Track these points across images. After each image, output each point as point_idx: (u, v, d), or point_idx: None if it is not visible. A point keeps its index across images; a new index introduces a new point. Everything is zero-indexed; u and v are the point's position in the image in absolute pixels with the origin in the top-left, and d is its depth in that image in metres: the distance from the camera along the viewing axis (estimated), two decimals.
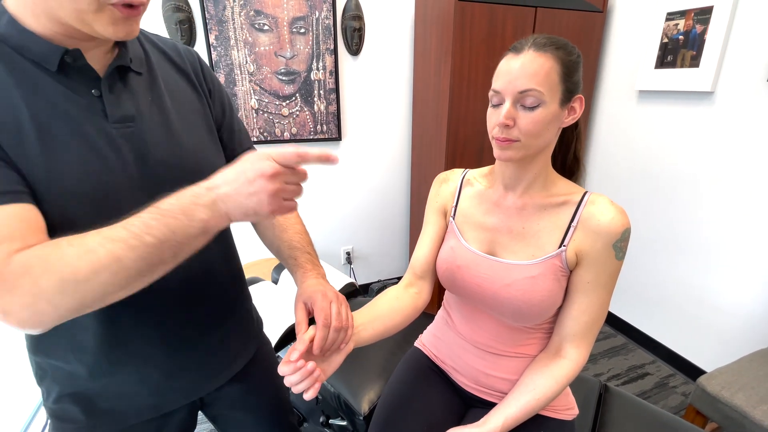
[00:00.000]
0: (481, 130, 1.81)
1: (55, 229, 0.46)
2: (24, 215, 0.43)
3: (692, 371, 1.80)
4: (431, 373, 0.92)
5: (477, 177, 0.84)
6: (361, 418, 1.02)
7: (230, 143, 0.71)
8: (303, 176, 0.50)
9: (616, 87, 1.96)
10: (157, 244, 0.43)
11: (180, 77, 0.64)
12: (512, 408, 0.71)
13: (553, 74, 0.63)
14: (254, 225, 0.76)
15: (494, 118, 0.68)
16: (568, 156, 0.80)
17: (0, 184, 0.42)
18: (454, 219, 0.83)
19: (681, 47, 1.63)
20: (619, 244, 0.67)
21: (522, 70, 0.63)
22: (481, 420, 0.72)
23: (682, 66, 1.64)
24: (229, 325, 0.72)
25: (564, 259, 0.69)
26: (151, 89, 0.58)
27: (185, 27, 1.62)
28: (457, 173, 0.88)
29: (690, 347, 1.82)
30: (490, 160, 0.80)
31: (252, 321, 0.81)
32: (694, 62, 1.59)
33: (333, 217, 2.22)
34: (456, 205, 0.84)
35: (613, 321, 2.20)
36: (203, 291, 0.65)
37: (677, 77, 1.66)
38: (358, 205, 2.26)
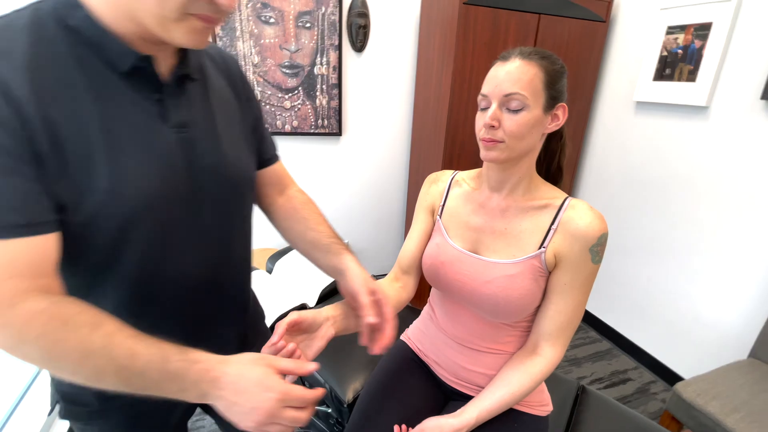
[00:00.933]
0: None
1: (105, 242, 0.47)
2: (40, 249, 0.43)
3: (673, 379, 1.84)
4: (414, 365, 0.95)
5: (465, 179, 0.87)
6: (345, 405, 1.05)
7: (258, 150, 0.72)
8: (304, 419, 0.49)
9: (614, 96, 1.98)
10: (138, 385, 0.44)
11: (226, 84, 0.64)
12: (487, 401, 0.74)
13: (537, 81, 0.67)
14: (274, 217, 0.77)
15: (481, 121, 0.71)
16: (552, 165, 0.83)
17: (29, 213, 0.41)
18: (440, 217, 0.87)
19: (679, 61, 1.66)
20: (596, 249, 0.70)
21: (508, 75, 0.67)
22: (458, 411, 0.75)
23: (679, 80, 1.67)
24: (243, 318, 0.74)
25: (543, 260, 0.72)
26: (204, 96, 0.58)
27: None
28: (447, 174, 0.91)
29: (672, 355, 1.86)
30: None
31: (260, 313, 0.85)
32: (692, 76, 1.61)
33: (330, 211, 2.25)
34: (443, 205, 0.87)
35: (599, 326, 2.24)
36: (223, 284, 0.66)
37: (674, 90, 1.69)
38: (356, 200, 2.29)
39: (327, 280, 1.59)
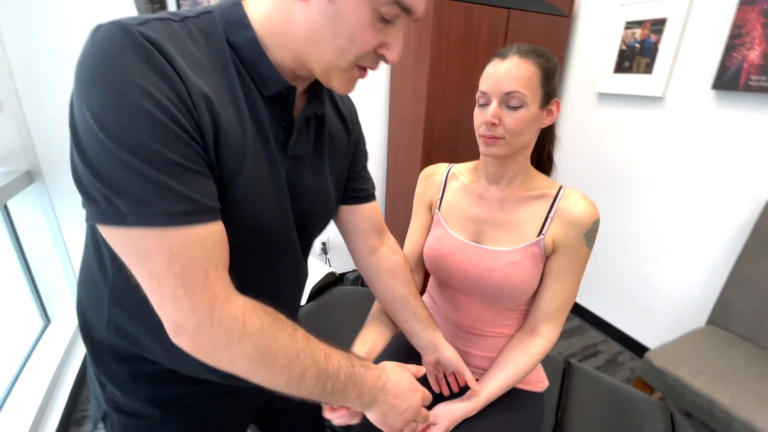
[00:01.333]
0: (455, 128, 1.88)
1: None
2: (224, 237, 0.44)
3: (638, 348, 2.00)
4: (416, 354, 0.99)
5: (462, 171, 0.91)
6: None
7: (356, 186, 0.73)
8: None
9: (579, 88, 2.10)
10: (329, 389, 0.48)
11: (340, 122, 0.65)
12: (493, 383, 0.79)
13: (535, 79, 0.71)
14: (374, 269, 0.78)
15: (481, 118, 0.74)
16: (543, 155, 0.88)
17: (210, 198, 0.42)
18: (439, 210, 0.90)
19: (637, 54, 1.78)
20: (590, 234, 0.75)
21: (507, 73, 0.70)
22: (467, 394, 0.79)
23: (637, 72, 1.79)
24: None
25: (542, 246, 0.78)
26: (319, 131, 0.59)
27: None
28: (442, 167, 0.94)
29: (636, 327, 2.02)
30: (463, 157, 0.87)
31: None
32: (648, 69, 1.74)
33: None
34: (441, 198, 0.91)
35: (579, 311, 2.38)
36: (296, 306, 0.70)
37: (633, 82, 1.81)
38: None
39: (317, 278, 1.59)
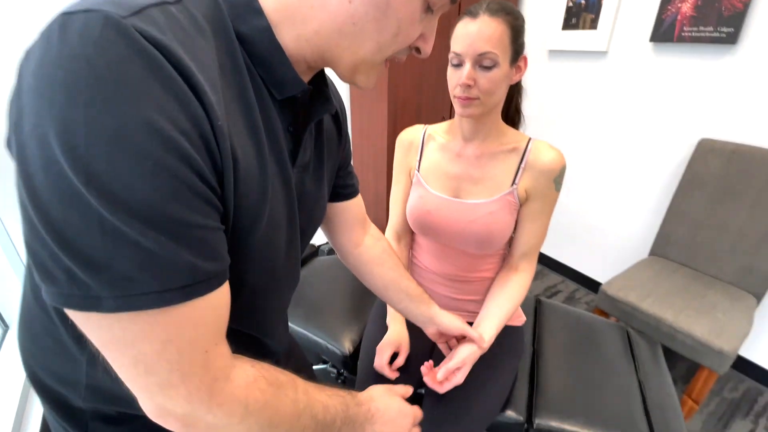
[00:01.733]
0: (417, 89, 1.91)
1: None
2: (227, 297, 0.36)
3: (592, 284, 2.23)
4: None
5: (438, 132, 0.95)
6: (348, 354, 1.14)
7: (344, 183, 0.68)
8: None
9: (530, 46, 2.17)
10: (329, 425, 0.45)
11: (332, 119, 0.58)
12: (496, 319, 0.85)
13: (505, 38, 0.74)
14: (360, 261, 0.76)
15: (455, 79, 0.78)
16: (511, 108, 0.94)
17: (219, 259, 0.34)
18: (419, 171, 0.95)
19: (583, 11, 1.87)
20: (558, 179, 0.83)
21: (480, 34, 0.73)
22: (476, 335, 0.79)
23: (583, 28, 1.88)
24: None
25: (516, 195, 0.85)
26: (318, 134, 0.52)
27: None
28: (418, 130, 0.98)
29: (589, 266, 2.24)
30: (428, 118, 0.92)
31: None
32: (594, 24, 1.84)
33: None
34: (420, 159, 0.95)
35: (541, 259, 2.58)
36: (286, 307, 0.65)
37: (580, 38, 1.91)
38: None
39: None
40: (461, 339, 0.82)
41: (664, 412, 0.94)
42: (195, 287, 0.31)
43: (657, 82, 1.70)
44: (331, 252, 2.37)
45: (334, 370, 1.24)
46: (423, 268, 1.02)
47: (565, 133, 2.12)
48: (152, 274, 0.29)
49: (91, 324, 0.30)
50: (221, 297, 0.35)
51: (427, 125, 0.99)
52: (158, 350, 0.31)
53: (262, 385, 0.38)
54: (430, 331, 0.82)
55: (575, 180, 2.14)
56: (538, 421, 0.91)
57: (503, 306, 0.87)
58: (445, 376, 0.68)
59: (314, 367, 1.29)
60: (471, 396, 0.86)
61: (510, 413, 0.93)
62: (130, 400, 0.37)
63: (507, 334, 0.99)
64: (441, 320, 0.79)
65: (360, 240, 0.76)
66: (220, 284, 0.34)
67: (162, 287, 0.29)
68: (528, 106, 2.28)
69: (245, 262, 0.40)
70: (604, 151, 1.98)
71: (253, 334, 0.52)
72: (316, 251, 1.64)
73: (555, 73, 2.10)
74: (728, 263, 1.51)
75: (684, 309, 1.37)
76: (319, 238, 2.77)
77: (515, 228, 0.89)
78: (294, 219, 0.47)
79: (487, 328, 0.83)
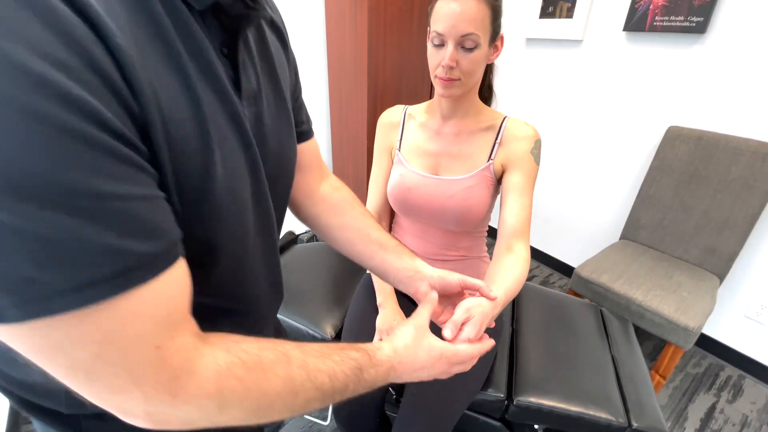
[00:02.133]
0: (398, 73, 1.89)
1: (191, 249, 0.33)
2: (185, 278, 0.31)
3: (565, 269, 2.30)
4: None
5: (418, 111, 0.95)
6: (330, 339, 1.13)
7: (300, 120, 0.59)
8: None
9: (508, 34, 2.19)
10: (341, 391, 0.41)
11: (275, 36, 0.48)
12: (502, 284, 0.70)
13: (486, 18, 0.74)
14: (318, 209, 0.66)
15: (437, 59, 0.77)
16: (483, 86, 0.94)
17: (160, 238, 0.28)
18: (400, 151, 0.94)
19: (560, 0, 1.89)
20: (535, 151, 0.84)
21: (462, 15, 0.72)
22: (481, 283, 0.68)
23: (560, 16, 1.91)
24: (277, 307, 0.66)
25: (492, 170, 0.86)
26: (264, 54, 0.43)
27: None
28: (398, 110, 0.98)
29: (562, 251, 2.30)
30: (408, 100, 0.92)
31: None
32: (570, 13, 1.86)
33: None
34: (401, 139, 0.95)
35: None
36: (275, 279, 0.57)
37: (556, 27, 1.93)
38: None
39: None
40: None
41: (636, 385, 0.98)
42: (128, 276, 0.25)
43: (629, 71, 1.74)
44: (311, 240, 2.35)
45: None
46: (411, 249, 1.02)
47: (540, 121, 2.16)
48: (59, 270, 0.22)
49: (4, 336, 0.24)
50: (172, 281, 0.29)
51: (407, 105, 0.98)
52: (95, 354, 0.26)
53: (238, 372, 0.33)
54: (421, 292, 0.64)
55: (549, 167, 2.18)
56: (518, 398, 0.93)
57: (506, 276, 0.73)
58: (453, 332, 0.54)
59: None
60: (452, 376, 0.87)
61: (491, 391, 0.94)
62: None
63: None
64: (431, 272, 0.63)
65: (314, 188, 0.65)
66: (167, 266, 0.28)
67: (76, 283, 0.23)
68: (505, 93, 2.31)
69: (210, 227, 0.35)
70: (577, 138, 2.02)
71: (237, 308, 0.48)
72: (295, 239, 1.61)
73: (532, 61, 2.12)
74: (693, 245, 1.58)
75: (652, 289, 1.43)
76: (299, 226, 2.72)
77: (501, 207, 0.86)
78: (256, 165, 0.40)
79: (495, 288, 0.68)
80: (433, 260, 0.98)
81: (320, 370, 0.39)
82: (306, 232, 2.42)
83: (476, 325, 0.54)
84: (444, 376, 0.53)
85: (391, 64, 1.84)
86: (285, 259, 1.41)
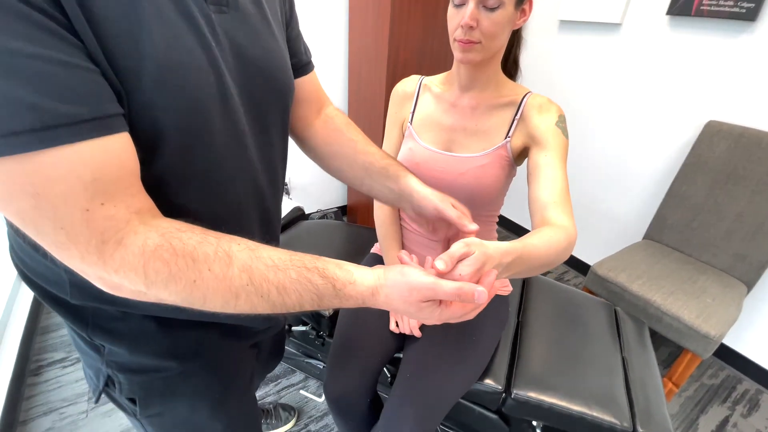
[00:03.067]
0: (419, 50, 1.81)
1: (139, 146, 0.35)
2: (122, 153, 0.33)
3: (581, 267, 2.21)
4: None
5: (434, 82, 0.89)
6: (327, 316, 1.11)
7: (295, 49, 0.58)
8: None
9: (541, 16, 2.07)
10: (295, 307, 0.40)
11: None
12: (530, 238, 0.55)
13: None
14: (312, 143, 0.66)
15: (457, 19, 0.71)
16: (509, 59, 0.87)
17: (85, 103, 0.30)
18: (411, 124, 0.89)
19: None
20: (561, 125, 0.74)
21: None
22: (470, 225, 0.59)
23: None
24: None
25: (509, 148, 0.79)
26: None
27: None
28: (413, 80, 0.92)
29: (580, 249, 2.21)
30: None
31: None
32: None
33: None
34: (414, 111, 0.89)
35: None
36: (269, 211, 0.57)
37: (593, 8, 1.81)
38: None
39: (283, 212, 1.54)
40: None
41: (645, 390, 0.92)
42: (51, 132, 0.28)
43: (670, 59, 1.62)
44: (322, 218, 2.33)
45: (314, 332, 1.21)
46: (412, 231, 0.97)
47: (569, 109, 2.04)
48: None
49: None
50: (103, 150, 0.31)
51: (423, 76, 0.92)
52: (33, 206, 0.30)
53: (164, 255, 0.34)
54: (411, 215, 0.67)
55: (572, 158, 2.07)
56: (517, 392, 0.89)
57: (531, 234, 0.57)
58: (446, 265, 0.42)
59: (294, 328, 1.27)
60: (450, 362, 0.84)
61: (489, 382, 0.90)
62: (114, 298, 0.37)
63: (491, 302, 0.95)
64: (420, 195, 0.61)
65: (311, 119, 0.66)
66: (97, 134, 0.31)
67: (8, 130, 0.27)
68: (533, 79, 2.20)
69: (155, 107, 0.35)
70: (606, 128, 1.91)
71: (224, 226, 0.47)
72: (303, 215, 1.58)
73: (565, 44, 2.00)
74: (723, 250, 1.48)
75: (674, 292, 1.34)
76: (309, 205, 2.72)
77: (529, 188, 0.72)
78: (215, 61, 0.40)
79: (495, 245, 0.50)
80: (439, 243, 0.93)
81: (268, 281, 0.38)
82: (317, 212, 2.40)
83: (474, 264, 0.43)
84: (430, 321, 0.44)
85: (414, 40, 1.76)
86: (291, 234, 1.39)
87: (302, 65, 0.61)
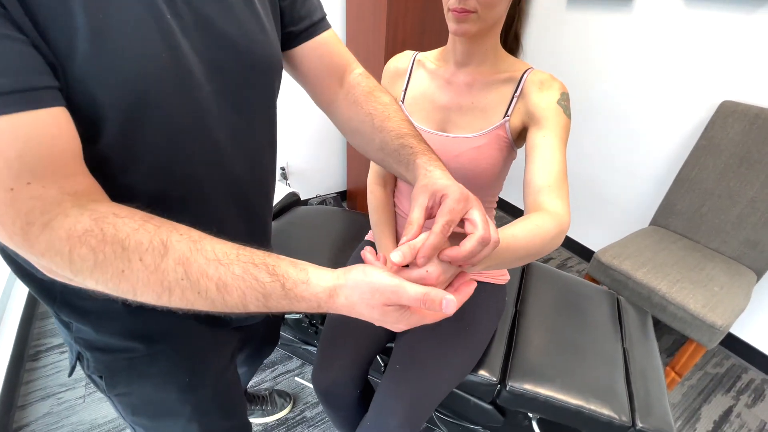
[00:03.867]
0: (420, 27, 1.74)
1: (79, 123, 0.33)
2: (54, 129, 0.31)
3: (585, 253, 2.16)
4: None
5: (429, 58, 0.84)
6: None
7: (294, 15, 0.52)
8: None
9: None
10: (238, 306, 0.36)
11: None
12: (514, 228, 0.51)
13: None
14: (337, 119, 0.61)
15: None
16: (509, 34, 0.81)
17: (21, 74, 0.29)
18: (403, 102, 0.84)
19: None
20: (563, 103, 0.69)
21: None
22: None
23: None
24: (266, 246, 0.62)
25: (508, 128, 0.74)
26: None
27: None
28: (406, 56, 0.87)
29: (584, 234, 2.16)
30: None
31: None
32: None
33: None
34: (406, 89, 0.84)
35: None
36: (250, 201, 0.54)
37: None
38: (290, 118, 2.12)
39: (277, 197, 1.51)
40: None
41: (646, 382, 0.89)
42: None
43: (683, 35, 1.53)
44: (319, 205, 2.29)
45: (307, 320, 1.18)
46: (403, 214, 0.93)
47: (574, 88, 1.96)
48: None
49: None
50: (31, 125, 0.29)
51: (417, 52, 0.87)
52: None
53: (91, 242, 0.31)
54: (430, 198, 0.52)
55: (576, 139, 2.01)
56: (512, 384, 0.86)
57: (516, 223, 0.54)
58: (402, 258, 0.38)
59: (287, 316, 1.24)
60: (442, 354, 0.81)
61: (483, 373, 0.87)
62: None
63: (488, 291, 0.92)
64: (433, 182, 0.46)
65: (332, 97, 0.59)
66: (22, 108, 0.29)
67: None
68: (538, 56, 2.11)
69: (90, 81, 0.32)
70: (614, 109, 1.84)
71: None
72: (298, 201, 1.54)
73: (573, 23, 1.91)
74: (733, 236, 1.42)
75: (679, 280, 1.30)
76: (308, 191, 2.67)
77: (525, 169, 0.68)
78: (168, 32, 0.37)
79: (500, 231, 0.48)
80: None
81: (207, 276, 0.34)
82: (316, 197, 2.36)
83: (469, 251, 0.38)
84: (397, 327, 0.40)
85: (413, 17, 1.69)
86: (285, 220, 1.36)
87: (314, 22, 0.54)
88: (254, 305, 0.36)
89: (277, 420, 1.30)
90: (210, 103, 0.42)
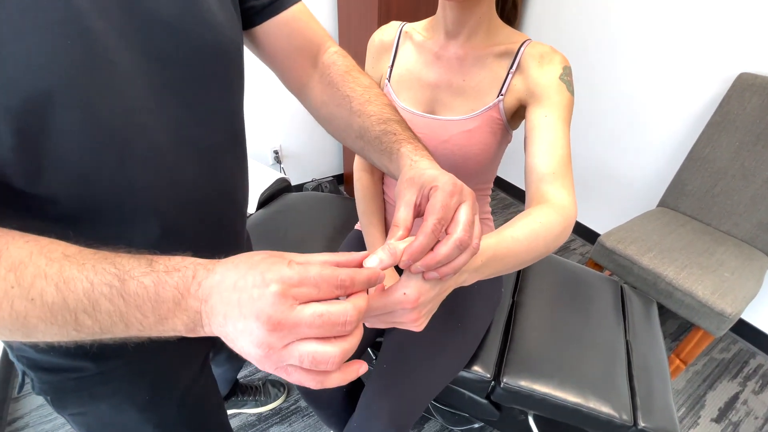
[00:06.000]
0: (413, 2, 1.63)
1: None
2: None
3: (590, 235, 2.09)
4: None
5: (417, 28, 0.76)
6: None
7: None
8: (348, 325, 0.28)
9: None
10: (92, 328, 0.28)
11: None
12: (505, 229, 0.47)
13: None
14: (310, 104, 0.56)
15: None
16: (507, 3, 0.73)
17: None
18: (389, 81, 0.77)
19: None
20: (566, 78, 0.62)
21: None
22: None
23: None
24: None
25: (501, 109, 0.67)
26: None
27: None
28: (392, 27, 0.79)
29: (589, 215, 2.08)
30: None
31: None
32: None
33: (255, 114, 1.98)
34: (393, 65, 0.77)
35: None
36: (220, 213, 0.49)
37: None
38: (284, 100, 2.03)
39: (265, 184, 1.45)
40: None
41: (649, 377, 0.85)
42: None
43: (697, 2, 1.41)
44: (315, 189, 2.23)
45: None
46: (394, 205, 0.87)
47: (578, 62, 1.86)
48: None
49: None
50: None
51: (404, 22, 0.78)
52: None
53: None
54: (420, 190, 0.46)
55: (580, 115, 1.91)
56: (506, 380, 0.82)
57: (511, 223, 0.49)
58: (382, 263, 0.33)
59: None
60: (432, 351, 0.76)
61: (477, 369, 0.83)
62: None
63: (483, 281, 0.86)
64: (417, 168, 0.41)
65: (304, 80, 0.54)
66: None
67: None
68: (541, 26, 1.99)
69: None
70: (621, 83, 1.73)
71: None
72: (288, 187, 1.48)
73: None
74: (746, 218, 1.35)
75: (687, 266, 1.24)
76: (302, 175, 2.60)
77: (526, 151, 0.62)
78: (76, 17, 0.30)
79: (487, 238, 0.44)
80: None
81: (45, 276, 0.27)
82: (311, 181, 2.30)
83: (454, 247, 0.32)
84: (282, 371, 0.29)
85: None
86: (274, 207, 1.30)
87: (272, 2, 0.47)
88: (105, 300, 0.27)
89: (270, 410, 1.28)
90: (145, 98, 0.36)
